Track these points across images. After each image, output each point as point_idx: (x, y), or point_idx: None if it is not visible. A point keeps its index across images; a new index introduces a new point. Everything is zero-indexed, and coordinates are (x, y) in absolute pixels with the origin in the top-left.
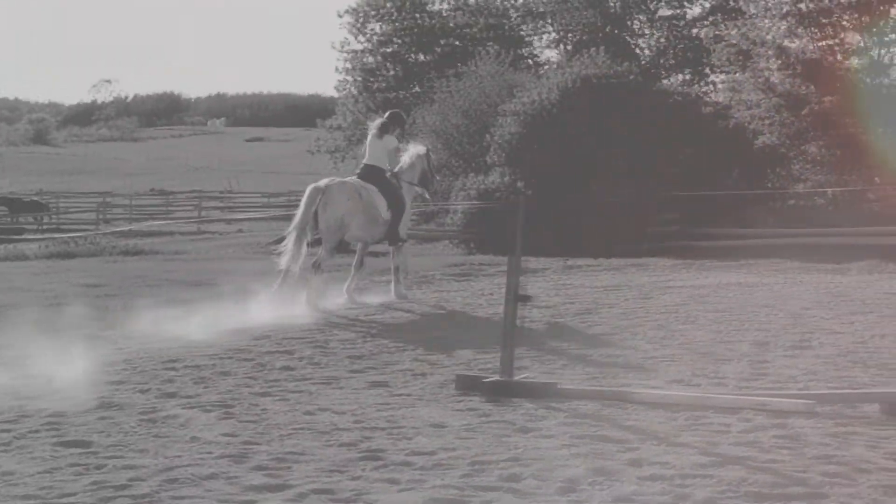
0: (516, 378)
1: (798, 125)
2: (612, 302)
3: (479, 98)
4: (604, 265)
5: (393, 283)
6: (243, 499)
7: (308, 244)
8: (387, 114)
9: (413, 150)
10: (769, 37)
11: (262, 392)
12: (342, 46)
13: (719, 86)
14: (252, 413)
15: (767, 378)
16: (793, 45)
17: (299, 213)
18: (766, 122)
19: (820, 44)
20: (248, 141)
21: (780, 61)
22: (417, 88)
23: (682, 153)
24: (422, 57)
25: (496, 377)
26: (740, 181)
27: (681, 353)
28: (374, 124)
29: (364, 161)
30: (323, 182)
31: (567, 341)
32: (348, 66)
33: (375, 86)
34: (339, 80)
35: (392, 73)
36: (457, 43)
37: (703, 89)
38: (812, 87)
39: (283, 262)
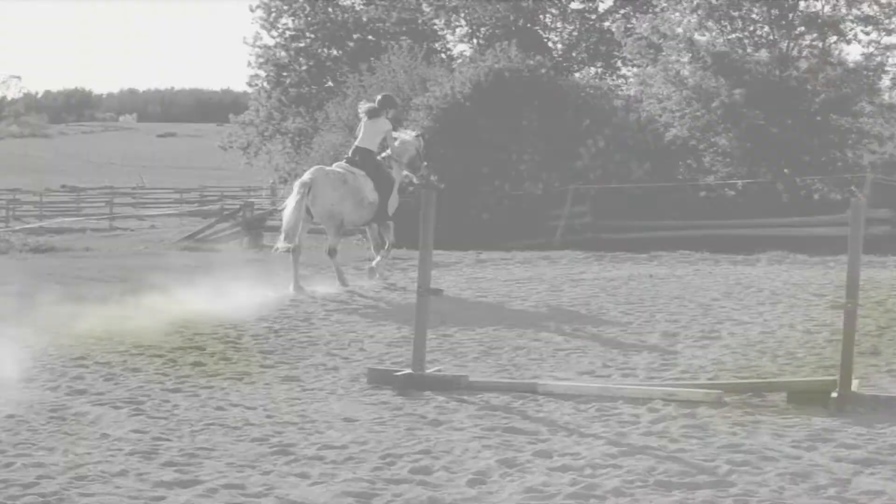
0: (428, 371)
1: (708, 118)
2: (523, 295)
3: (391, 92)
4: (515, 258)
5: (377, 260)
6: (153, 495)
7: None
8: (378, 97)
9: (405, 134)
10: (679, 30)
11: (172, 388)
12: (254, 41)
13: (630, 79)
14: (162, 409)
15: (676, 368)
16: (703, 39)
17: (289, 210)
18: (677, 114)
19: (730, 37)
20: (159, 137)
21: (690, 54)
22: (330, 83)
23: (595, 146)
24: (334, 52)
25: (408, 371)
26: (652, 174)
27: (591, 344)
28: (363, 108)
29: (356, 143)
30: (307, 175)
31: (478, 334)
32: (260, 60)
33: (288, 81)
34: (251, 76)
35: (304, 67)
36: (370, 38)
37: (615, 82)
38: (722, 79)
39: (280, 243)
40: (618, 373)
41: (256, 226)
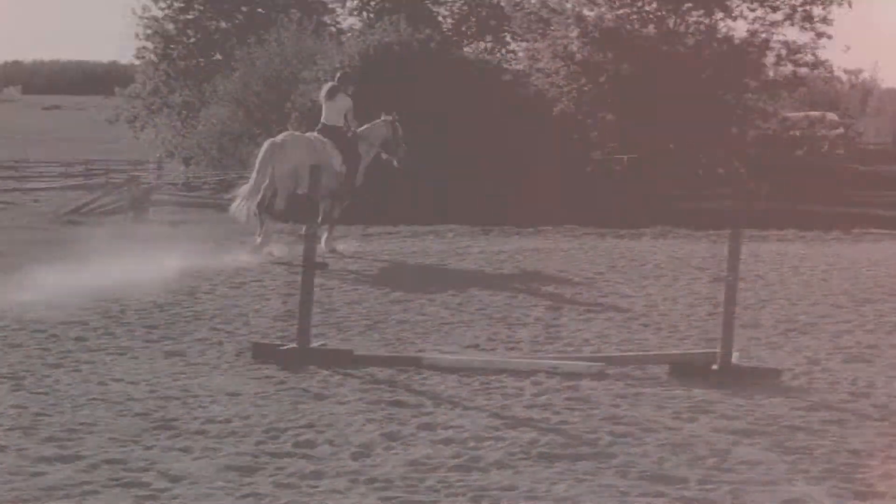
0: (312, 346)
1: (595, 92)
2: (409, 269)
3: (280, 66)
4: (403, 232)
5: (325, 236)
6: (34, 470)
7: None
8: (337, 74)
9: (379, 120)
10: (568, 5)
11: (54, 363)
12: (143, 13)
13: (519, 54)
14: (43, 385)
15: (560, 341)
16: (591, 14)
17: (255, 169)
18: (565, 89)
19: (618, 12)
20: (45, 109)
21: (578, 29)
22: (218, 56)
23: (484, 120)
24: (223, 24)
25: (292, 345)
26: (540, 148)
27: (476, 318)
28: (325, 88)
29: (322, 121)
30: (280, 137)
31: (364, 309)
32: (148, 32)
33: (175, 53)
34: (139, 48)
35: (192, 40)
36: (259, 10)
37: (505, 57)
38: (609, 55)
39: (241, 216)
40: (502, 346)
41: (142, 200)
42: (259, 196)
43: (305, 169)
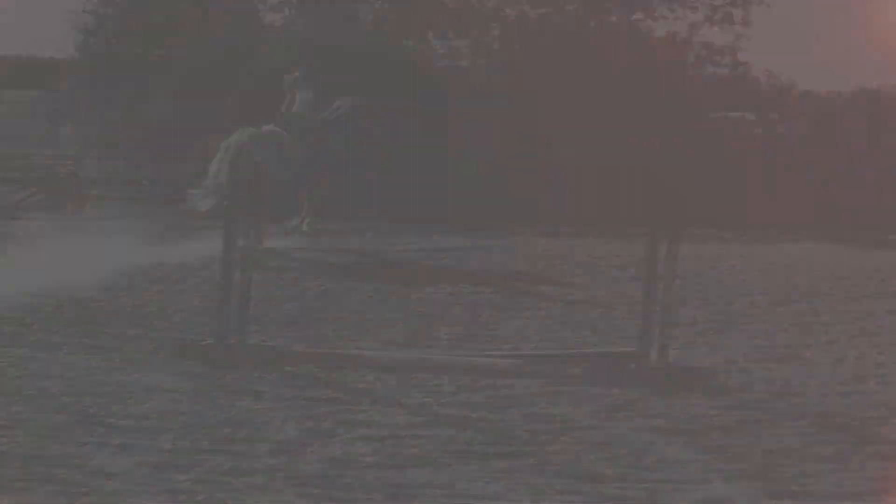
0: (248, 342)
1: (520, 90)
2: (348, 265)
3: (223, 58)
4: (343, 229)
5: (297, 219)
6: None
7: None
8: (304, 67)
9: (344, 106)
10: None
11: None
12: (85, 8)
13: (463, 50)
14: None
15: (481, 338)
16: (512, 12)
17: (223, 167)
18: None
19: (539, 11)
20: None
21: (499, 28)
22: (161, 50)
23: (423, 117)
24: (166, 19)
25: (226, 341)
26: (478, 145)
27: (398, 315)
28: (296, 78)
29: (295, 109)
30: (246, 134)
31: (300, 304)
32: (92, 27)
33: (119, 48)
34: (82, 42)
35: (136, 34)
36: (203, 4)
37: (448, 52)
38: (532, 52)
39: (201, 207)
40: (423, 343)
41: (81, 194)
42: (224, 194)
43: (268, 162)
